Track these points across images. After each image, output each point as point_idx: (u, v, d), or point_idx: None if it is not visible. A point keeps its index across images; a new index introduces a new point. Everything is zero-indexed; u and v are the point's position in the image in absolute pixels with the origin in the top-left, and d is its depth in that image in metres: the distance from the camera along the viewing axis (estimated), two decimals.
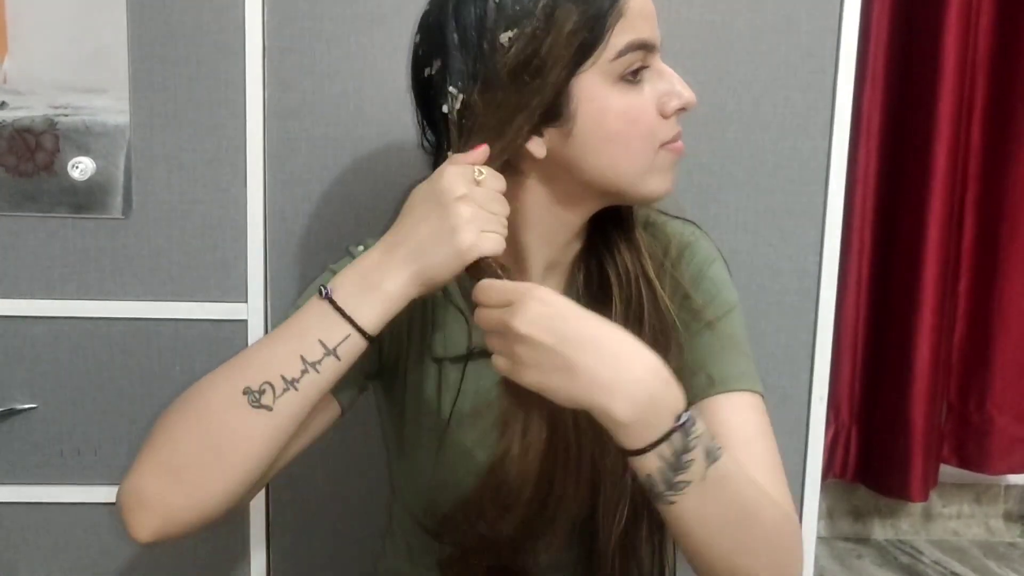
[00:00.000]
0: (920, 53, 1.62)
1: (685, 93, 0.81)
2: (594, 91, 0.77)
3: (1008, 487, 1.90)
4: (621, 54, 0.76)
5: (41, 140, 1.12)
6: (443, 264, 0.74)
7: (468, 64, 0.76)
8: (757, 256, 1.22)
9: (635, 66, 0.78)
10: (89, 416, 1.17)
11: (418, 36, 0.82)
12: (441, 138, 0.82)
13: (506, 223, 0.76)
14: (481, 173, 0.75)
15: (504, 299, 0.71)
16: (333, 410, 0.86)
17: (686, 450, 0.70)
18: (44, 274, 1.15)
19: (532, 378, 0.69)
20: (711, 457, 0.71)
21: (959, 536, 1.90)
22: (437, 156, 0.86)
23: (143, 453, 0.75)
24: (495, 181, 0.76)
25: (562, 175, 0.81)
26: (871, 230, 1.73)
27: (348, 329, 0.74)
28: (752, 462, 0.82)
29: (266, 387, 0.73)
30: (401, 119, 1.15)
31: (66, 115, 1.12)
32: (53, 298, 1.15)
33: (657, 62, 0.81)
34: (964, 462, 1.80)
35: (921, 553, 1.82)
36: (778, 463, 0.87)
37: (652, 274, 0.87)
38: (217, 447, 0.73)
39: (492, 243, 0.74)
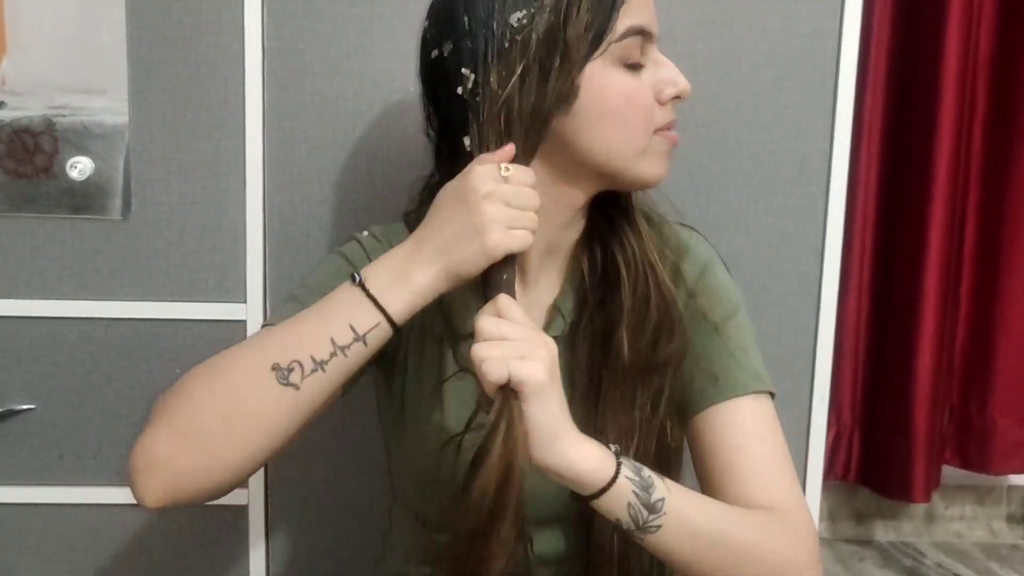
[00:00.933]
0: (921, 55, 1.62)
1: (681, 82, 0.83)
2: (595, 70, 0.78)
3: (1011, 488, 1.89)
4: (623, 37, 0.78)
5: (40, 141, 1.11)
6: (471, 261, 0.75)
7: (479, 45, 0.77)
8: (758, 258, 1.22)
9: (635, 51, 0.80)
10: (88, 417, 1.17)
11: (427, 20, 0.83)
12: (447, 121, 0.83)
13: (535, 217, 0.77)
14: (508, 170, 0.76)
15: (530, 321, 0.76)
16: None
17: (639, 468, 0.77)
18: (43, 275, 1.15)
19: (541, 371, 0.73)
20: (657, 474, 0.78)
21: (962, 538, 1.89)
22: (441, 141, 0.87)
23: (158, 416, 0.74)
24: (523, 176, 0.77)
25: (559, 153, 0.82)
26: (872, 232, 1.72)
27: (379, 317, 0.75)
28: (761, 464, 0.87)
29: (295, 365, 0.73)
30: (400, 120, 1.15)
31: (65, 116, 1.11)
32: (52, 299, 1.15)
33: (655, 51, 0.83)
34: (966, 463, 1.80)
35: (923, 555, 1.82)
36: (786, 462, 0.89)
37: (655, 259, 0.89)
38: (238, 417, 0.73)
39: (519, 240, 0.76)
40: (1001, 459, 1.78)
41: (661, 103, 0.82)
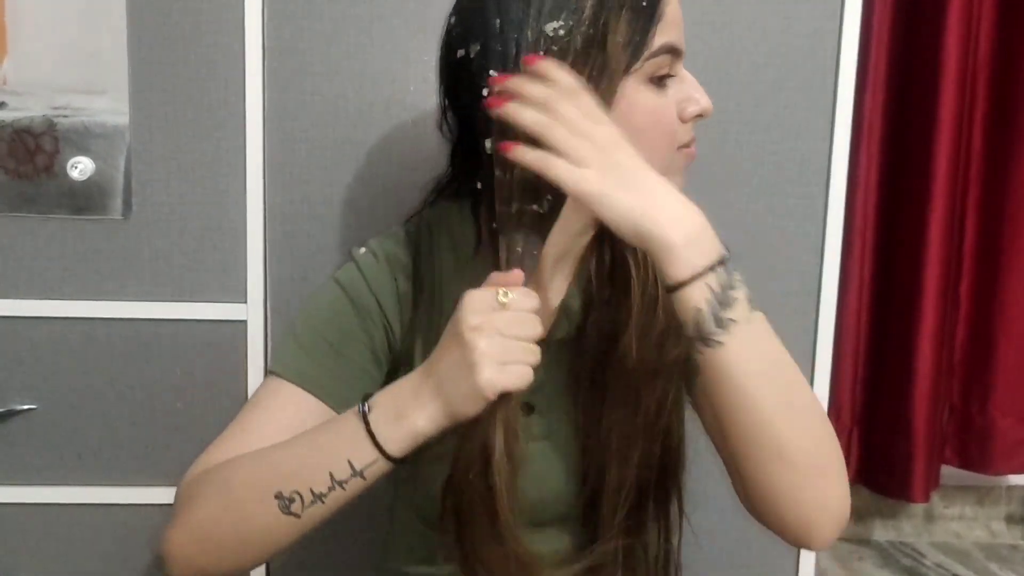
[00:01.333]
0: (921, 55, 1.62)
1: (703, 100, 0.82)
2: (626, 86, 0.77)
3: (1010, 489, 1.89)
4: (655, 55, 0.78)
5: (40, 141, 1.12)
6: (465, 401, 0.73)
7: (510, 50, 0.75)
8: (758, 257, 1.22)
9: (664, 69, 0.79)
10: (88, 417, 1.17)
11: (454, 17, 0.81)
12: (467, 123, 0.81)
13: (536, 349, 0.74)
14: (506, 295, 0.73)
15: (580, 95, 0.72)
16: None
17: (731, 286, 0.72)
18: (44, 275, 1.15)
19: (598, 184, 0.70)
20: (752, 303, 0.73)
21: (961, 538, 1.89)
22: (458, 142, 0.85)
23: (178, 518, 0.81)
24: (524, 301, 0.74)
25: None
26: (872, 231, 1.72)
27: (376, 455, 0.75)
28: None
29: (295, 496, 0.76)
30: (401, 120, 1.15)
31: (66, 116, 1.12)
32: (53, 299, 1.15)
33: (680, 68, 0.82)
34: (966, 463, 1.80)
35: (923, 555, 1.82)
36: (799, 374, 0.86)
37: None
38: (246, 534, 0.79)
39: (515, 377, 0.72)
40: (1001, 459, 1.78)
41: (683, 121, 0.82)
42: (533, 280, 0.80)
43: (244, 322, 1.17)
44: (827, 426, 0.79)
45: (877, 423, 1.76)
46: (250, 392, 1.17)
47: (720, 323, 0.71)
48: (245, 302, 1.16)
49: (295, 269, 1.17)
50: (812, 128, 1.20)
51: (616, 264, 0.88)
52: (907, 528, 1.89)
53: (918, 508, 1.87)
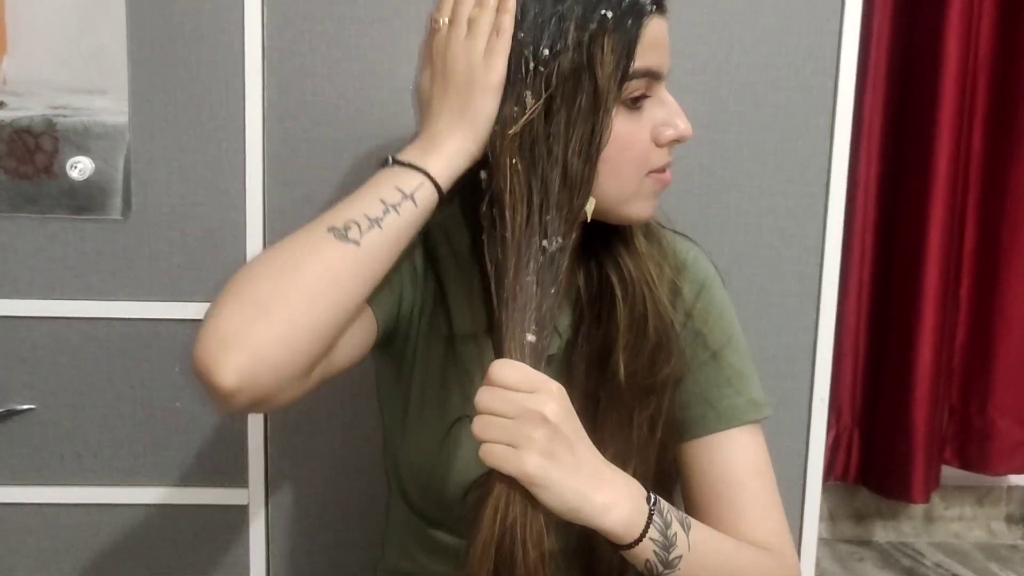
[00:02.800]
0: (921, 56, 1.62)
1: (681, 124, 0.81)
2: None
3: (1010, 489, 1.90)
4: (631, 78, 0.76)
5: (40, 141, 1.11)
6: (480, 105, 0.74)
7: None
8: (758, 258, 1.22)
9: (638, 92, 0.78)
10: (88, 417, 1.17)
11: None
12: None
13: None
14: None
15: (530, 384, 0.72)
16: (369, 321, 0.83)
17: (667, 525, 0.77)
18: (43, 275, 1.15)
19: (534, 465, 0.71)
20: (685, 524, 0.78)
21: (961, 538, 1.89)
22: None
23: (221, 297, 0.70)
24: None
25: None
26: (872, 232, 1.73)
27: (421, 177, 0.74)
28: (753, 501, 0.87)
29: (351, 224, 0.72)
30: (401, 120, 1.15)
31: (65, 116, 1.12)
32: (52, 298, 1.15)
33: (661, 90, 0.80)
34: (966, 464, 1.80)
35: (923, 555, 1.82)
36: (777, 498, 0.90)
37: (653, 280, 0.87)
38: (304, 279, 0.70)
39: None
40: (1001, 459, 1.78)
41: (659, 145, 0.81)
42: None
43: None
44: None
45: (877, 424, 1.77)
46: None
47: (669, 565, 0.77)
48: None
49: None
50: (812, 128, 1.20)
51: (604, 282, 0.88)
52: (907, 529, 1.89)
53: (918, 509, 1.87)
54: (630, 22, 0.75)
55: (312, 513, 1.23)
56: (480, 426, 0.72)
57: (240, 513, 1.21)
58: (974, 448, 1.79)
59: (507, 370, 0.72)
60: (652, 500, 0.77)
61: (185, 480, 1.19)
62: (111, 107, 1.12)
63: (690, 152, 1.17)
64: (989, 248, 1.74)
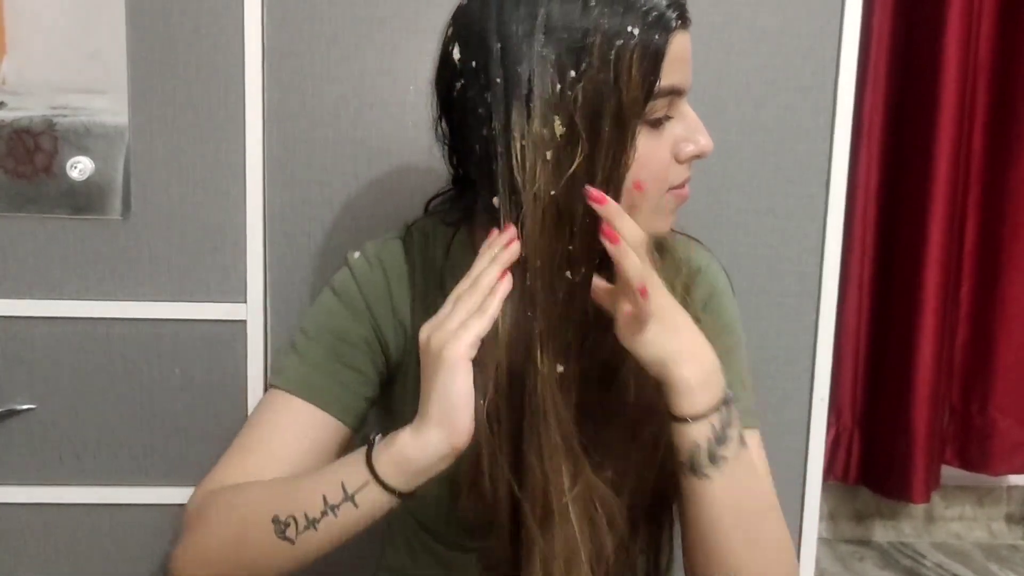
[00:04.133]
0: (921, 56, 1.62)
1: (703, 140, 0.79)
2: None
3: (1010, 489, 1.89)
4: (656, 97, 0.74)
5: (40, 141, 1.11)
6: (444, 389, 0.72)
7: (513, 86, 0.72)
8: (758, 258, 1.22)
9: (661, 112, 0.75)
10: (88, 417, 1.17)
11: (451, 28, 0.78)
12: (469, 153, 0.78)
13: (494, 298, 0.73)
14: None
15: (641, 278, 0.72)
16: (339, 431, 0.88)
17: (729, 424, 0.75)
18: (43, 275, 1.15)
19: (662, 293, 0.74)
20: (742, 440, 0.77)
21: (961, 538, 1.89)
22: (460, 166, 0.84)
23: (185, 540, 0.82)
24: (463, 284, 0.74)
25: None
26: (873, 232, 1.73)
27: (367, 476, 0.74)
28: None
29: (291, 520, 0.76)
30: (401, 121, 1.15)
31: (65, 116, 1.12)
32: (52, 299, 1.15)
33: (683, 105, 0.78)
34: (966, 464, 1.80)
35: (923, 555, 1.82)
36: (775, 501, 0.88)
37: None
38: (245, 558, 0.78)
39: (473, 327, 0.72)
40: (1001, 459, 1.78)
41: (679, 161, 0.79)
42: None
43: (244, 322, 1.17)
44: (791, 562, 0.82)
45: (877, 424, 1.77)
46: (250, 392, 1.17)
47: (714, 459, 0.75)
48: (245, 302, 1.16)
49: (295, 269, 1.17)
50: (812, 128, 1.20)
51: None
52: (907, 528, 1.89)
53: (918, 509, 1.87)
54: (656, 37, 0.72)
55: None
56: (623, 252, 0.71)
57: None
58: (974, 448, 1.79)
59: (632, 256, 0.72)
60: (728, 394, 0.77)
61: (185, 480, 1.19)
62: (111, 107, 1.12)
63: None
64: (989, 248, 1.74)
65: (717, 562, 0.78)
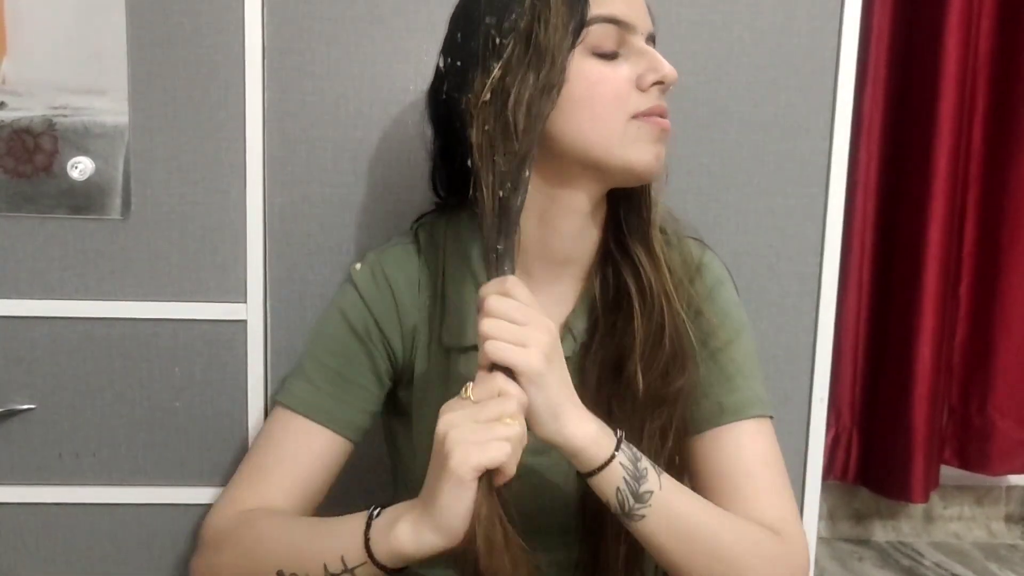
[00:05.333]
0: (921, 54, 1.62)
1: (662, 67, 0.82)
2: (570, 62, 0.78)
3: (1009, 489, 1.90)
4: (592, 23, 0.78)
5: (40, 141, 1.11)
6: (446, 502, 0.73)
7: (469, 69, 0.79)
8: (757, 257, 1.22)
9: (606, 40, 0.79)
10: (88, 417, 1.17)
11: (449, 59, 0.85)
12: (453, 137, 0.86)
13: (514, 425, 0.73)
14: (466, 391, 0.75)
15: (533, 304, 0.77)
16: (345, 447, 0.93)
17: (638, 458, 0.78)
18: (43, 275, 1.14)
19: (538, 361, 0.74)
20: (656, 468, 0.79)
21: (960, 538, 1.89)
22: (446, 159, 0.88)
23: (206, 552, 0.90)
24: (485, 389, 0.75)
25: (545, 151, 0.81)
26: (872, 231, 1.73)
27: (364, 558, 0.77)
28: (762, 489, 0.87)
29: None
30: (401, 120, 1.15)
31: (65, 116, 1.11)
32: (52, 298, 1.15)
33: (638, 42, 0.82)
34: (965, 464, 1.80)
35: (922, 555, 1.82)
36: (787, 488, 0.90)
37: (671, 289, 0.88)
38: None
39: (490, 452, 0.72)
40: (1000, 459, 1.78)
41: (643, 89, 0.81)
42: (525, 277, 0.82)
43: (244, 322, 1.17)
44: (757, 555, 0.83)
45: (876, 424, 1.77)
46: (250, 392, 1.17)
47: (639, 498, 0.77)
48: (245, 302, 1.16)
49: (295, 269, 1.17)
50: (812, 128, 1.20)
51: (621, 289, 0.88)
52: (906, 528, 1.89)
53: (917, 508, 1.87)
54: None
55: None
56: (489, 326, 0.74)
57: None
58: (974, 448, 1.79)
59: (519, 287, 0.76)
60: (619, 433, 0.79)
61: (185, 480, 1.19)
62: (111, 107, 1.12)
63: (690, 152, 1.17)
64: (989, 247, 1.74)
65: None
